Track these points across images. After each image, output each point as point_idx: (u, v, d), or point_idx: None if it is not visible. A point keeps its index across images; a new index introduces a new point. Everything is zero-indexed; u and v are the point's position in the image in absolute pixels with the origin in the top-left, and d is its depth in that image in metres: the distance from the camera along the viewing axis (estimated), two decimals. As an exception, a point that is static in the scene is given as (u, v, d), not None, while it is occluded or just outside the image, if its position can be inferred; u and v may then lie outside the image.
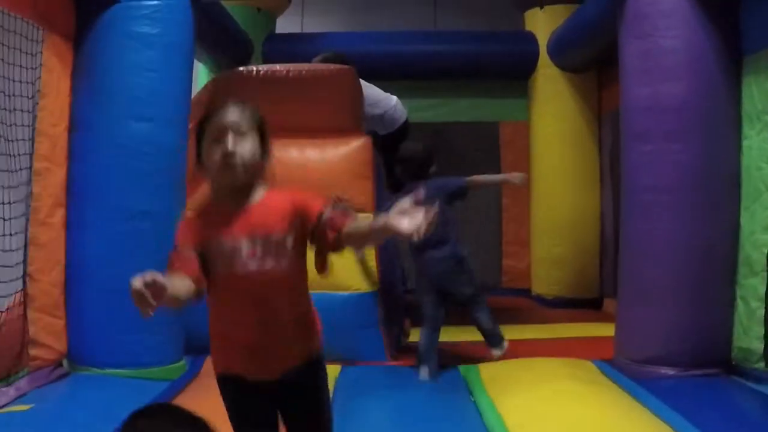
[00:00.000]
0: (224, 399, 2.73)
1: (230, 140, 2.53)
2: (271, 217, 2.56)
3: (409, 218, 2.29)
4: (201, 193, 2.83)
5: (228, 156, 2.52)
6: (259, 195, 2.62)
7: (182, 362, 4.98)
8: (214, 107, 2.62)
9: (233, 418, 2.72)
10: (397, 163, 5.51)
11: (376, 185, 5.94)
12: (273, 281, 2.56)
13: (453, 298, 5.31)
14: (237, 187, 2.58)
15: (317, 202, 2.58)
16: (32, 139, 4.42)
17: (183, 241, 2.58)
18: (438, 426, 4.10)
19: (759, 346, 4.45)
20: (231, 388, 2.70)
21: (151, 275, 2.22)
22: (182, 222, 2.70)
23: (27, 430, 3.71)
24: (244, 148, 2.55)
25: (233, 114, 2.58)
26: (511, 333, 6.71)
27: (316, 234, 2.56)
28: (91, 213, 4.73)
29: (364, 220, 2.60)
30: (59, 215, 4.66)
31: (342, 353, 5.16)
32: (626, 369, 4.84)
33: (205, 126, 2.60)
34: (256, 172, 2.61)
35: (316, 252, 2.62)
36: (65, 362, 4.72)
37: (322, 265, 2.63)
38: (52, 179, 4.59)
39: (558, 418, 3.93)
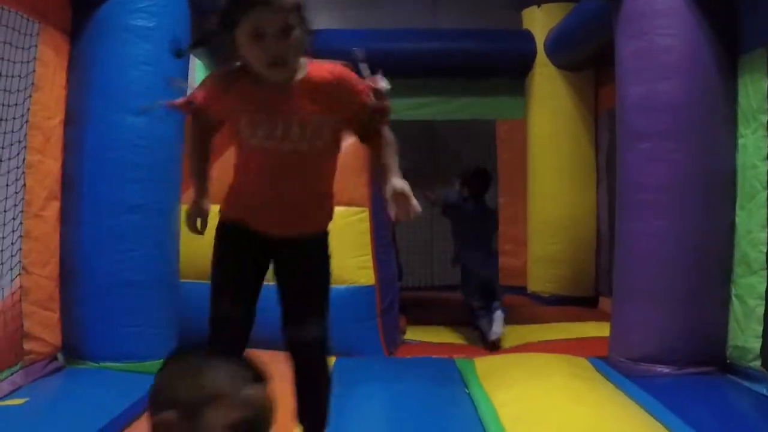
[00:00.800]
0: (219, 239, 2.75)
1: (277, 43, 2.40)
2: (310, 99, 2.51)
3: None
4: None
5: (277, 59, 2.43)
6: (301, 72, 2.53)
7: (176, 357, 4.96)
8: None
9: (221, 255, 2.74)
10: None
11: (373, 180, 5.97)
12: (303, 162, 2.56)
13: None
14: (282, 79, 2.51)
15: (362, 89, 2.59)
16: (25, 132, 4.42)
17: (204, 106, 2.64)
18: (433, 418, 4.10)
19: (755, 344, 4.45)
20: (232, 232, 2.72)
21: (201, 216, 2.65)
22: (206, 87, 2.68)
23: (22, 424, 3.70)
24: (292, 45, 2.43)
25: (274, 7, 2.40)
26: (507, 331, 6.75)
27: (363, 120, 2.61)
28: (85, 206, 4.73)
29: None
30: (53, 208, 4.65)
31: (338, 346, 5.15)
32: (621, 367, 4.84)
33: (238, 13, 2.43)
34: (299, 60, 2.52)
35: (362, 129, 2.66)
36: (60, 356, 4.71)
37: (372, 136, 2.66)
38: (46, 172, 4.57)
39: (552, 413, 3.93)
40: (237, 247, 2.71)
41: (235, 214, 2.72)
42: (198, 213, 2.79)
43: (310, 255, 2.75)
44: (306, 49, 2.53)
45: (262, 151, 2.56)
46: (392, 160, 2.57)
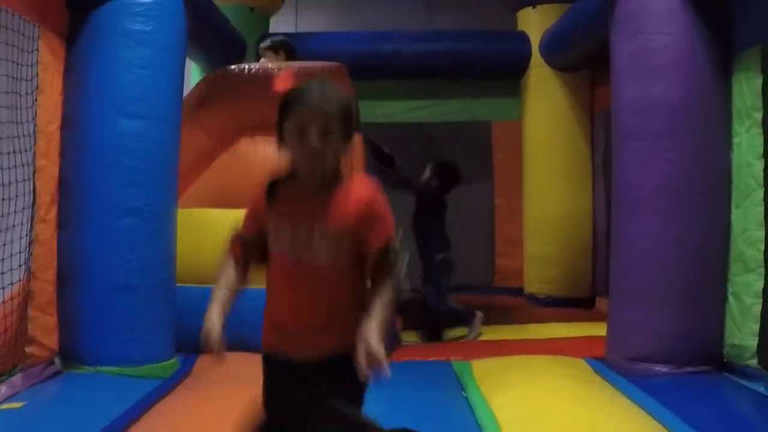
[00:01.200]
0: (263, 377, 2.75)
1: (315, 137, 2.50)
2: (337, 213, 2.55)
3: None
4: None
5: (313, 153, 2.51)
6: (336, 187, 2.59)
7: (174, 360, 4.97)
8: (299, 93, 2.57)
9: (265, 400, 2.73)
10: None
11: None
12: (321, 272, 2.56)
13: None
14: (317, 177, 2.57)
15: (381, 234, 2.57)
16: (33, 136, 4.46)
17: (245, 226, 2.69)
18: (430, 421, 4.09)
19: (752, 342, 4.46)
20: (267, 366, 2.73)
21: (219, 344, 2.53)
22: (253, 200, 2.70)
23: (19, 428, 3.70)
24: (329, 147, 2.52)
25: (319, 108, 2.53)
26: (503, 332, 6.78)
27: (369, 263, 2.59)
28: (82, 210, 4.72)
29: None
30: (54, 212, 4.66)
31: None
32: (618, 367, 4.85)
33: (287, 112, 2.55)
34: (337, 166, 2.59)
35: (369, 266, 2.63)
36: (57, 360, 4.71)
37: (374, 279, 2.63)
38: (48, 176, 4.59)
39: (550, 415, 3.93)
40: (271, 385, 2.73)
41: (267, 338, 2.72)
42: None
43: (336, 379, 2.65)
44: (343, 164, 2.63)
45: (281, 259, 2.60)
46: (379, 312, 2.53)
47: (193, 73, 7.94)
